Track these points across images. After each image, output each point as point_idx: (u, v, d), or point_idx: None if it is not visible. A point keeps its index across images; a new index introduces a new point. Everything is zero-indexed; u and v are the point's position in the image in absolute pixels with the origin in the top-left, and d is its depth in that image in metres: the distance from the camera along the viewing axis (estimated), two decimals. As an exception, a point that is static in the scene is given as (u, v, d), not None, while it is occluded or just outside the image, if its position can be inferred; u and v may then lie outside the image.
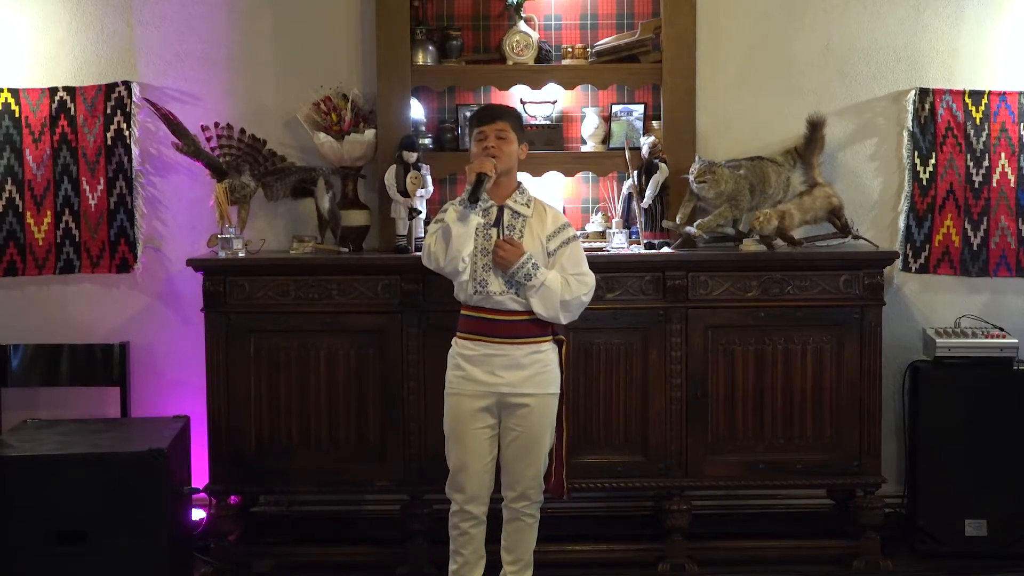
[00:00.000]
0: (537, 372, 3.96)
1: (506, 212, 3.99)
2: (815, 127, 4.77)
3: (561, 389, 4.05)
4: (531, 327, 3.96)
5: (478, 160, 3.95)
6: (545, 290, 3.92)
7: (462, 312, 4.03)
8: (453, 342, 4.06)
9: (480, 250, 3.95)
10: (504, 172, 3.99)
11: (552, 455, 4.07)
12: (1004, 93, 4.89)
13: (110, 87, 4.90)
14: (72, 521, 4.07)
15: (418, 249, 4.42)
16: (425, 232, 4.26)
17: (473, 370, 3.96)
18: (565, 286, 3.95)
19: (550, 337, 4.02)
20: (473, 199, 3.88)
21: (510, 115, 4.10)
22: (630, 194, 4.79)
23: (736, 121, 4.92)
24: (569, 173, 4.88)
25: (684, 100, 4.75)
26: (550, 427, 4.03)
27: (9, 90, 4.89)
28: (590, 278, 4.02)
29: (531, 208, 4.03)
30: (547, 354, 4.00)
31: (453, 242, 3.88)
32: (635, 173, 4.75)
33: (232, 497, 4.63)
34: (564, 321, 4.01)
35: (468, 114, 4.84)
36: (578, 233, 4.15)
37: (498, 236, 3.95)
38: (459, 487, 4.01)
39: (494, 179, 3.95)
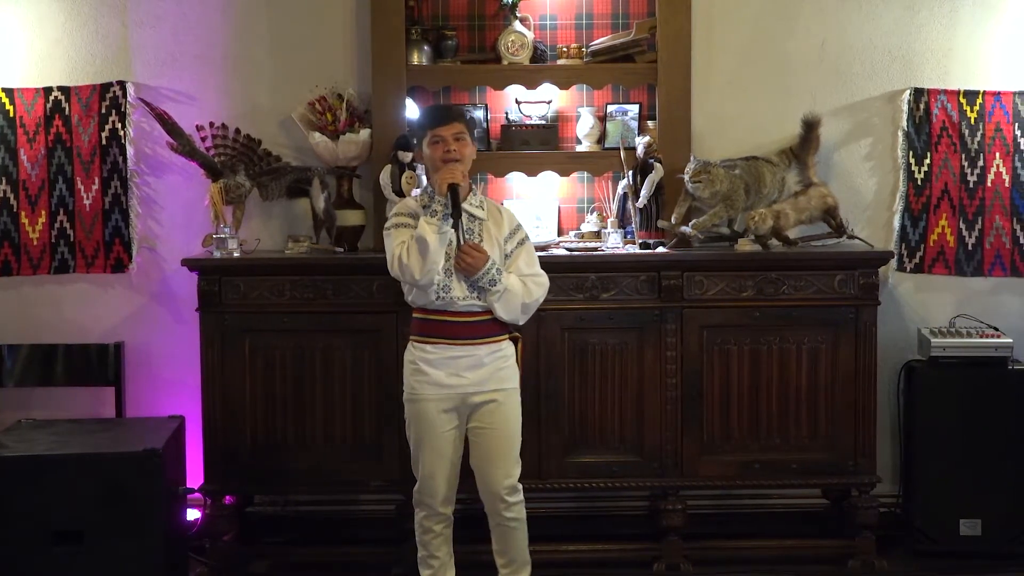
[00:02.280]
0: (499, 368, 3.95)
1: (463, 216, 3.92)
2: (810, 127, 4.77)
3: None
4: (492, 327, 3.95)
5: (447, 170, 3.87)
6: (508, 295, 3.91)
7: (418, 316, 3.98)
8: (410, 347, 4.01)
9: None
10: (464, 175, 3.94)
11: None
12: (999, 93, 4.90)
13: (105, 87, 4.90)
14: (68, 521, 4.06)
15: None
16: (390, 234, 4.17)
17: (436, 373, 3.92)
18: (524, 289, 3.95)
19: (506, 336, 4.01)
20: (457, 214, 3.82)
21: (463, 116, 4.03)
22: (625, 194, 4.79)
23: (731, 121, 4.92)
24: (564, 173, 4.88)
25: (679, 100, 4.75)
26: (518, 424, 4.01)
27: (3, 90, 4.89)
28: (544, 278, 4.03)
29: (485, 210, 3.99)
30: (506, 350, 3.99)
31: (431, 256, 3.82)
32: (630, 173, 4.75)
33: (227, 497, 4.63)
34: (522, 322, 4.02)
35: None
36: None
37: (457, 241, 3.89)
38: (432, 492, 3.97)
39: (465, 186, 3.92)
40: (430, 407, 3.93)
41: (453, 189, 3.83)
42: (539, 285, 4.01)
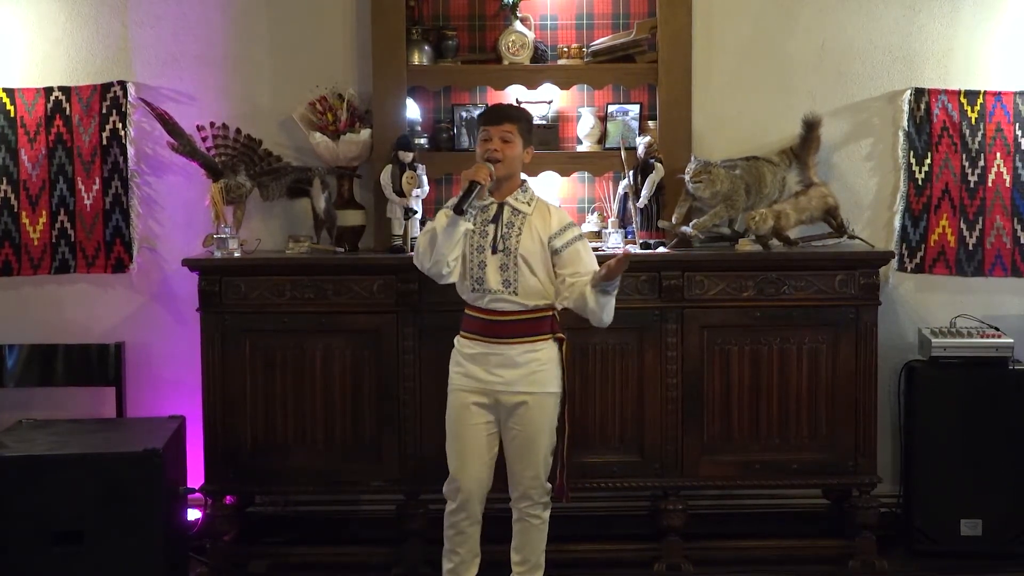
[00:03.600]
0: (533, 371, 3.95)
1: (506, 209, 3.96)
2: (811, 127, 4.77)
3: (563, 389, 4.05)
4: (525, 327, 3.95)
5: (475, 166, 3.91)
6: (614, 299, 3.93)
7: (465, 311, 4.04)
8: (455, 339, 4.06)
9: (476, 247, 3.94)
10: (506, 176, 3.96)
11: (556, 457, 4.06)
12: (1000, 93, 4.89)
13: (105, 87, 4.90)
14: (68, 521, 4.06)
15: (413, 249, 4.42)
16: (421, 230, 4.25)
17: (472, 368, 3.97)
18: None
19: (549, 336, 4.00)
20: (459, 210, 3.84)
21: (518, 117, 4.05)
22: (626, 194, 4.79)
23: (732, 121, 4.92)
24: (565, 173, 4.88)
25: (680, 100, 4.75)
26: (549, 427, 4.01)
27: (4, 90, 4.89)
28: None
29: (532, 207, 3.99)
30: (544, 352, 3.98)
31: (439, 247, 3.88)
32: (631, 173, 4.75)
33: (228, 497, 4.63)
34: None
35: (464, 114, 4.85)
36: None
37: (495, 233, 3.93)
38: (457, 484, 4.01)
39: (486, 188, 3.91)
40: (463, 398, 3.98)
41: (471, 185, 3.85)
42: None
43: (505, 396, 3.95)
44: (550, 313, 4.00)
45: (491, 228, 3.95)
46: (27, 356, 4.89)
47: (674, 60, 4.73)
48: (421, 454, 4.49)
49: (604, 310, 3.92)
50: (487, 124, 3.99)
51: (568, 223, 4.02)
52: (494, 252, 3.92)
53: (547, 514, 4.08)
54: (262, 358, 4.52)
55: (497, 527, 4.16)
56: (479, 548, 4.10)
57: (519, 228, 3.96)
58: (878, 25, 4.92)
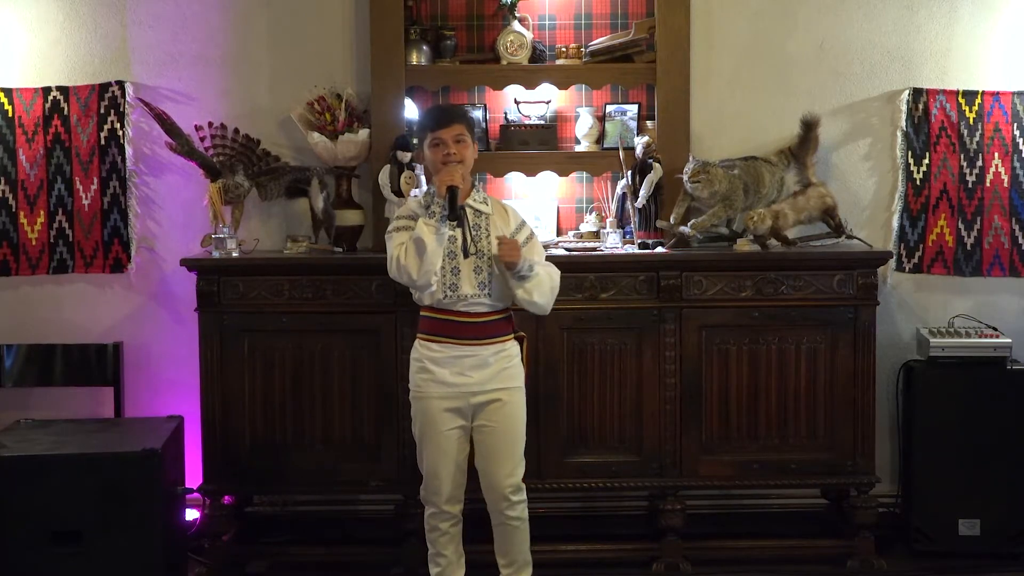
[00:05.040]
0: (503, 368, 3.95)
1: (468, 212, 3.91)
2: (809, 127, 4.77)
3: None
4: (497, 327, 3.95)
5: (446, 172, 3.86)
6: (541, 279, 3.91)
7: (425, 314, 3.97)
8: (416, 344, 4.00)
9: (447, 253, 3.89)
10: (464, 175, 3.94)
11: None
12: (998, 93, 4.90)
13: (104, 87, 4.90)
14: (66, 521, 4.07)
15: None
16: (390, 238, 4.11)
17: (441, 372, 3.92)
18: (549, 276, 3.96)
19: (512, 335, 4.01)
20: (454, 216, 3.80)
21: (464, 117, 4.01)
22: (624, 194, 4.79)
23: (730, 121, 4.92)
24: (563, 173, 4.88)
25: (678, 100, 4.75)
26: (522, 423, 4.01)
27: (2, 89, 4.89)
28: (557, 271, 4.03)
29: (490, 206, 4.00)
30: (511, 349, 3.99)
31: (428, 257, 3.81)
32: (629, 173, 4.75)
33: (226, 497, 4.63)
34: (548, 310, 4.00)
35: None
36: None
37: (463, 237, 3.86)
38: (436, 489, 3.97)
39: (467, 185, 3.91)
40: (434, 405, 3.93)
41: (452, 191, 3.82)
42: (556, 272, 4.02)
43: (478, 397, 3.92)
44: (510, 313, 4.01)
45: (457, 233, 3.88)
46: (25, 356, 4.89)
47: (672, 60, 4.73)
48: (420, 454, 4.49)
49: (533, 295, 3.90)
50: (438, 129, 3.91)
51: (522, 220, 4.04)
52: (466, 256, 3.88)
53: (526, 512, 4.03)
54: (260, 358, 4.52)
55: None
56: (462, 547, 4.09)
57: (486, 229, 3.95)
58: (877, 25, 4.92)
